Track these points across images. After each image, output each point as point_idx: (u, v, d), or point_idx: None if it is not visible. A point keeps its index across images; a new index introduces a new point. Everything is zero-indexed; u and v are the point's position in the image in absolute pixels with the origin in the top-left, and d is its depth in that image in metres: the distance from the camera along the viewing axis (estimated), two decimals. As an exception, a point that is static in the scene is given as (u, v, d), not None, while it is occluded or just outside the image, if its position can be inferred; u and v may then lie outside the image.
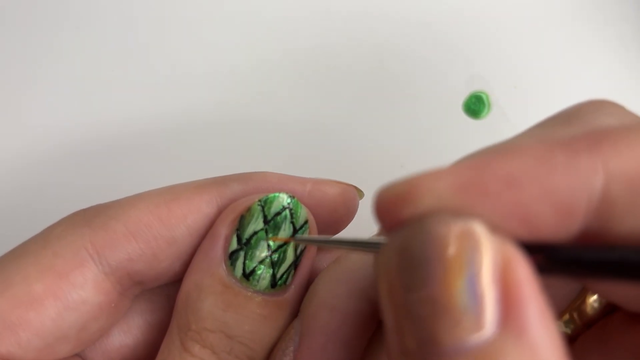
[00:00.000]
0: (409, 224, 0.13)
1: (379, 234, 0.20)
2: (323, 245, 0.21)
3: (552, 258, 0.13)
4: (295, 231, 0.20)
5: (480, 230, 0.13)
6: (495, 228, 0.13)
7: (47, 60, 0.37)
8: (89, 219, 0.21)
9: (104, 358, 0.23)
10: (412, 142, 0.36)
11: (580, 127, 0.16)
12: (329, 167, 0.36)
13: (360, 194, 0.23)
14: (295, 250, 0.21)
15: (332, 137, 0.36)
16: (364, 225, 0.22)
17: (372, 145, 0.36)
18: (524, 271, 0.13)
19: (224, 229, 0.20)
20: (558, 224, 0.14)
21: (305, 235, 0.21)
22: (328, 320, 0.19)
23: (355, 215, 0.23)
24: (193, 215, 0.21)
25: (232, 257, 0.20)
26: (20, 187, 0.35)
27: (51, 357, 0.20)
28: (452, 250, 0.13)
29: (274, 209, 0.20)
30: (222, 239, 0.20)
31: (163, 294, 0.23)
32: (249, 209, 0.20)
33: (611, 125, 0.16)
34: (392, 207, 0.14)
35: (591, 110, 0.17)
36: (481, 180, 0.13)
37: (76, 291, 0.20)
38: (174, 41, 0.38)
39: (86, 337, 0.21)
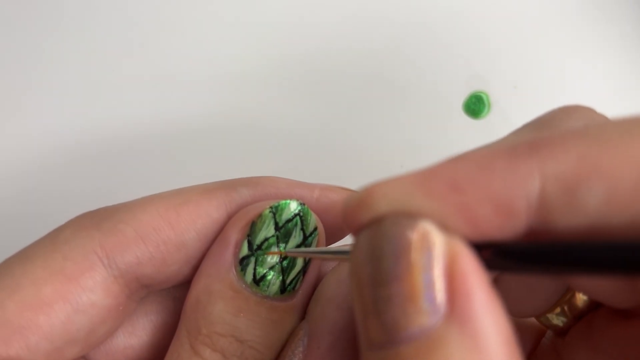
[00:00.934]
0: (369, 226, 0.15)
1: None
2: (309, 256, 0.21)
3: (498, 254, 0.15)
4: (305, 238, 0.21)
5: (430, 229, 0.14)
6: (444, 227, 0.14)
7: (51, 62, 0.37)
8: (98, 221, 0.21)
9: (108, 359, 0.23)
10: (412, 142, 0.37)
11: (546, 133, 0.17)
12: (330, 167, 0.36)
13: None
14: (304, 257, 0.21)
15: (333, 137, 0.36)
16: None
17: (372, 145, 0.36)
18: (469, 265, 0.14)
19: (234, 235, 0.20)
20: (501, 223, 0.15)
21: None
22: (336, 319, 0.19)
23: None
24: (202, 220, 0.21)
25: (242, 262, 0.20)
26: (24, 189, 0.35)
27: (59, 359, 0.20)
28: (406, 248, 0.14)
29: (285, 216, 0.20)
30: (233, 245, 0.20)
31: (169, 296, 0.23)
32: (260, 216, 0.20)
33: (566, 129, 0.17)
34: (354, 213, 0.15)
35: (562, 116, 0.18)
36: (428, 185, 0.15)
37: (86, 294, 0.20)
38: (180, 45, 0.37)
39: (94, 339, 0.21)
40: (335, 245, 0.23)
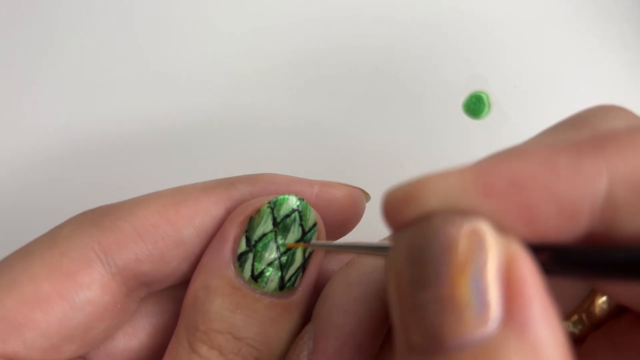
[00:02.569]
0: (415, 223, 0.14)
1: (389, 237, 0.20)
2: (336, 251, 0.21)
3: (557, 258, 0.14)
4: (304, 234, 0.21)
5: (485, 229, 0.13)
6: (500, 227, 0.13)
7: (53, 60, 0.37)
8: (96, 219, 0.21)
9: None
10: (412, 142, 0.37)
11: (588, 131, 0.16)
12: (330, 167, 0.36)
13: (366, 196, 0.23)
14: (304, 252, 0.21)
15: (333, 137, 0.36)
16: (370, 227, 0.22)
17: (372, 145, 0.36)
18: (528, 269, 0.13)
19: (232, 231, 0.20)
20: (563, 225, 0.14)
21: (319, 241, 0.21)
22: (342, 324, 0.19)
23: (362, 218, 0.23)
24: (201, 216, 0.21)
25: (240, 258, 0.20)
26: (24, 187, 0.35)
27: (56, 357, 0.20)
28: (458, 248, 0.13)
29: (284, 211, 0.20)
30: (231, 241, 0.20)
31: (169, 297, 0.23)
32: (258, 211, 0.20)
33: (618, 128, 0.16)
34: (399, 207, 0.14)
35: (599, 114, 0.17)
36: (487, 182, 0.14)
37: (83, 291, 0.20)
38: (181, 43, 0.38)
39: (91, 338, 0.21)
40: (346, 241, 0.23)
